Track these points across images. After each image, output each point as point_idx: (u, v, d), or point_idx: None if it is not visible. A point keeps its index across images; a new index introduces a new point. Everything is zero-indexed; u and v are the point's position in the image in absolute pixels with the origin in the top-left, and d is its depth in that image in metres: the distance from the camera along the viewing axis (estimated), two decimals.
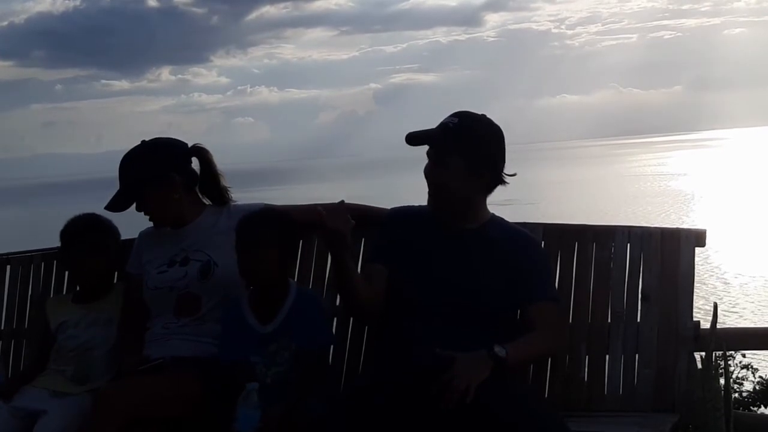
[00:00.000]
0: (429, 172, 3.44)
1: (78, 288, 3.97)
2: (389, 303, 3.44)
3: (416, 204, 3.60)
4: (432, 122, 3.47)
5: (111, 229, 3.90)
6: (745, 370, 8.32)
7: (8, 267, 4.45)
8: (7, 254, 4.51)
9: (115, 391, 3.32)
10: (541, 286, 3.48)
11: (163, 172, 3.70)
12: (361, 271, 3.54)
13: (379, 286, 3.44)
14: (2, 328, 4.43)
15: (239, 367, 3.38)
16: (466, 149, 3.36)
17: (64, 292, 4.23)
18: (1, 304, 4.46)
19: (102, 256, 3.82)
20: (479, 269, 3.41)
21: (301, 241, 3.88)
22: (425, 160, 3.48)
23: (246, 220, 3.49)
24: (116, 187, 3.72)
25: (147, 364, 3.53)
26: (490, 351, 3.12)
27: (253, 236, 3.43)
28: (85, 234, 3.83)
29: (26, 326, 4.37)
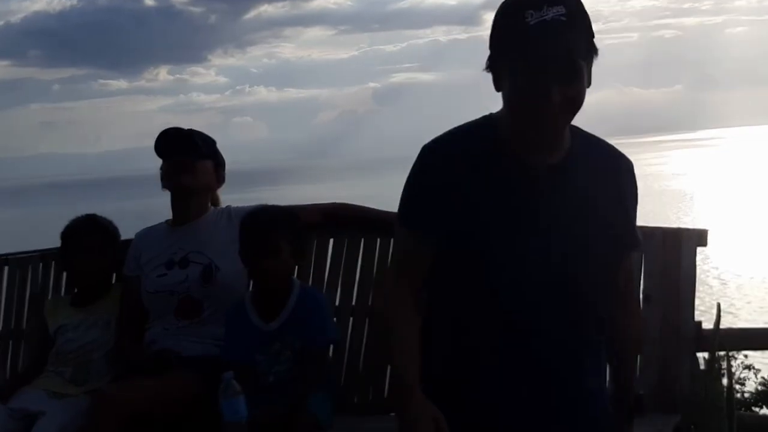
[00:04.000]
0: (572, 93, 2.26)
1: (76, 289, 3.95)
2: (443, 294, 2.43)
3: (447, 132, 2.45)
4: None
5: (110, 230, 3.89)
6: (747, 371, 8.32)
7: (6, 267, 4.43)
8: (6, 254, 4.50)
9: (116, 391, 3.30)
10: (634, 230, 2.54)
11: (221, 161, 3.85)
12: (401, 264, 2.47)
13: (417, 281, 2.42)
14: (0, 328, 4.42)
15: (241, 365, 3.37)
16: (589, 41, 2.33)
17: (63, 293, 4.21)
18: (0, 305, 4.45)
19: (102, 256, 3.81)
20: (571, 227, 2.36)
21: (312, 241, 3.89)
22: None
23: (254, 222, 3.46)
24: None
25: (156, 355, 3.52)
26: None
27: (266, 240, 3.39)
28: (86, 235, 3.82)
29: (24, 327, 4.35)
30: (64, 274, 4.21)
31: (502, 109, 2.36)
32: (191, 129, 3.81)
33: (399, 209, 2.44)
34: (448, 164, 2.36)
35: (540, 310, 2.32)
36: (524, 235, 2.32)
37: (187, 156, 3.71)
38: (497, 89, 2.33)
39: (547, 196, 2.34)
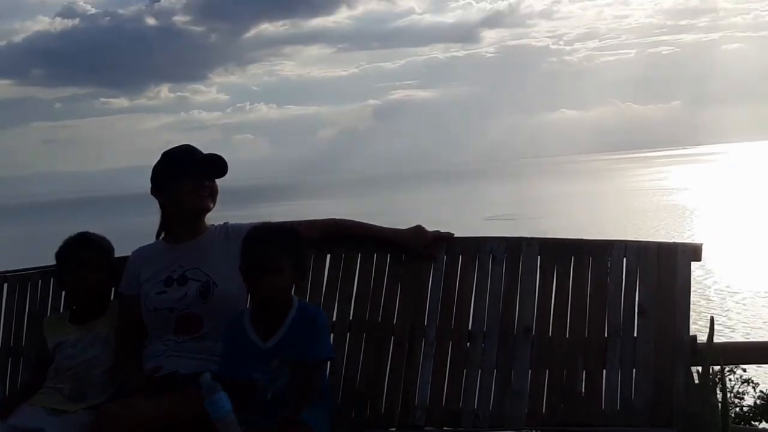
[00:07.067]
0: None
1: (75, 307, 3.96)
2: None
3: None
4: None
5: (105, 247, 3.91)
6: (745, 385, 8.31)
7: (5, 285, 4.44)
8: (5, 272, 4.50)
9: (116, 409, 3.30)
10: None
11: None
12: None
13: None
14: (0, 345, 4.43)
15: (240, 383, 3.38)
16: None
17: (62, 310, 4.22)
18: None
19: (97, 273, 3.82)
20: None
21: (310, 257, 3.87)
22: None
23: (258, 239, 3.47)
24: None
25: (157, 374, 3.53)
26: None
27: (266, 256, 3.39)
28: (79, 252, 3.83)
29: (23, 344, 4.36)
30: (63, 292, 4.22)
31: None
32: (195, 147, 3.83)
33: None
34: None
35: None
36: None
37: (213, 180, 3.76)
38: None
39: None
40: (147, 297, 3.72)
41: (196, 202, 3.74)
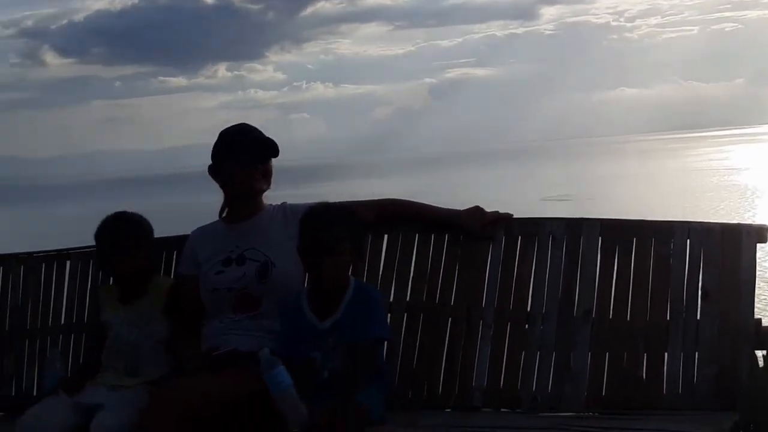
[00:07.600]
0: None
1: (118, 285, 3.98)
2: None
3: None
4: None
5: (142, 225, 3.92)
6: None
7: (68, 262, 4.51)
8: (68, 249, 4.57)
9: (172, 389, 3.35)
10: None
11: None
12: None
13: None
14: (62, 322, 4.50)
15: (297, 362, 3.38)
16: None
17: None
18: (62, 299, 4.53)
19: (133, 252, 3.83)
20: None
21: (367, 238, 3.86)
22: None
23: (317, 219, 3.47)
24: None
25: (215, 352, 3.57)
26: None
27: (328, 237, 3.39)
28: (117, 231, 3.85)
29: (86, 320, 4.43)
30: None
31: None
32: (250, 127, 3.86)
33: None
34: None
35: None
36: None
37: (267, 162, 3.78)
38: None
39: None
40: (206, 277, 3.75)
41: (251, 184, 3.75)
